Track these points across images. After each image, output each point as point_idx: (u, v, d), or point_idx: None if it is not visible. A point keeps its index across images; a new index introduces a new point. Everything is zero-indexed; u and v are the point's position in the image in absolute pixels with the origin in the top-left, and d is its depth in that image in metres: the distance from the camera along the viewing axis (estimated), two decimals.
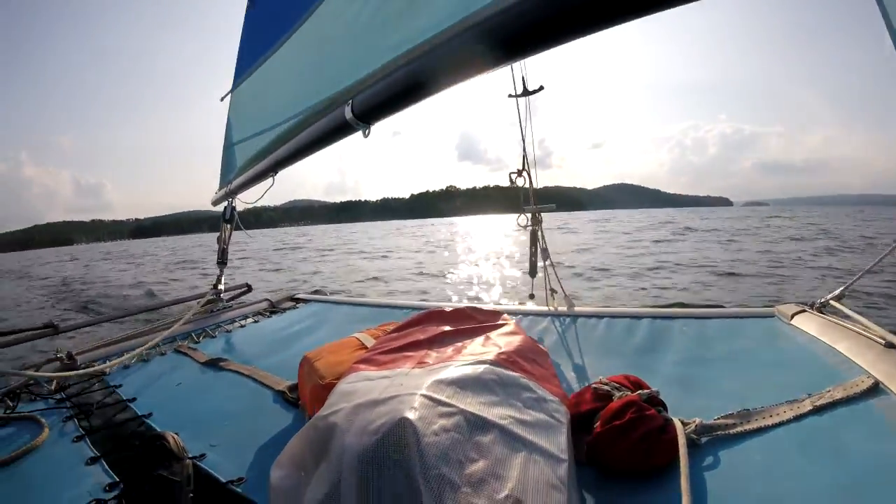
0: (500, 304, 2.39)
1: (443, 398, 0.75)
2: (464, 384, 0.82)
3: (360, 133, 1.38)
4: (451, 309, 1.30)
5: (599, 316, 1.77)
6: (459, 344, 1.08)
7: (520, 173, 1.89)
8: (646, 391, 0.96)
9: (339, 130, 1.46)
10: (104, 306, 8.45)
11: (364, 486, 0.64)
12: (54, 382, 1.77)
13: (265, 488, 0.83)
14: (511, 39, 0.91)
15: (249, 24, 2.94)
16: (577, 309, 1.88)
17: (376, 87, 1.26)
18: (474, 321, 1.25)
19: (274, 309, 2.59)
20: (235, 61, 2.92)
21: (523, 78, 1.92)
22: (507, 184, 1.92)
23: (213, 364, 1.80)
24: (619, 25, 0.80)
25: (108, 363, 1.89)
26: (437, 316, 1.25)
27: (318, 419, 0.78)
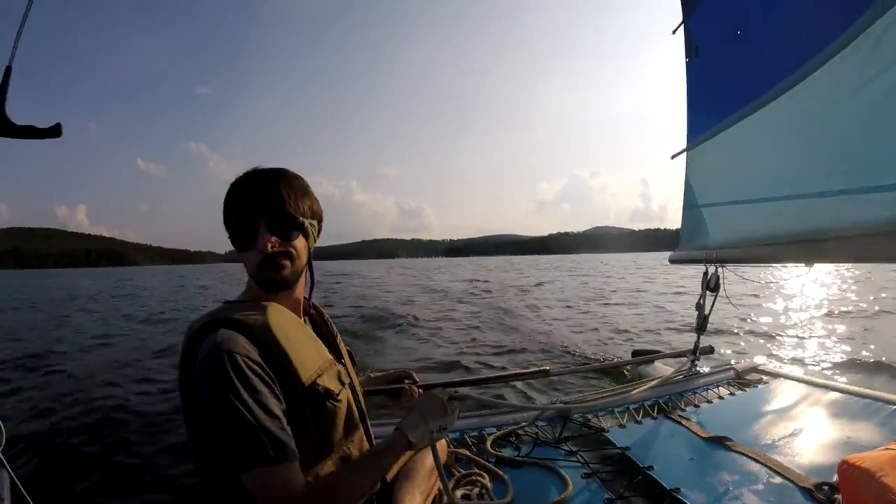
0: None
1: None
2: None
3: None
4: None
5: None
6: None
7: None
8: None
9: None
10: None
11: None
12: (556, 430, 1.85)
13: None
14: None
15: (697, 76, 2.89)
16: None
17: None
18: None
19: (740, 380, 2.41)
20: (686, 116, 2.95)
21: None
22: None
23: (718, 441, 1.69)
24: None
25: (599, 418, 1.95)
26: None
27: None
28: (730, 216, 2.32)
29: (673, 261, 2.71)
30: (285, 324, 0.89)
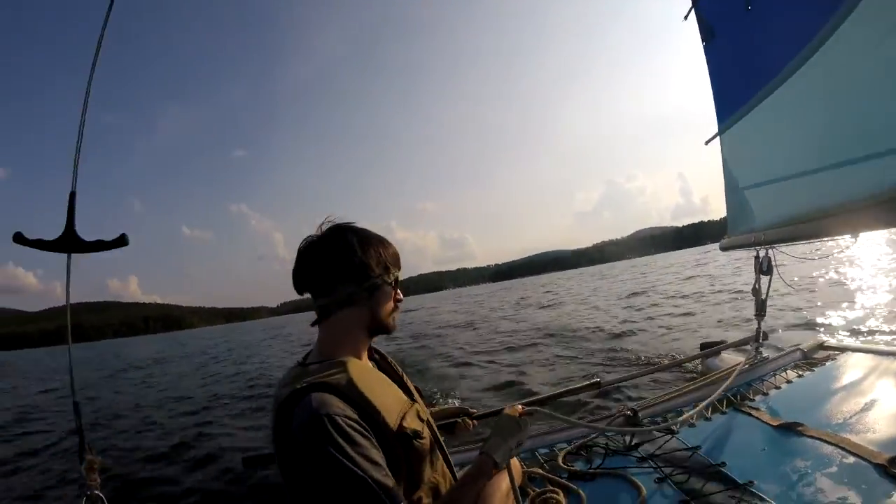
0: None
1: None
2: None
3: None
4: None
5: None
6: None
7: None
8: None
9: None
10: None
11: None
12: (626, 438, 1.85)
13: None
14: None
15: (717, 58, 2.82)
16: None
17: None
18: None
19: (807, 360, 2.37)
20: (713, 100, 2.89)
21: None
22: None
23: (789, 428, 1.67)
24: None
25: (668, 420, 1.95)
26: None
27: None
28: (773, 195, 2.27)
29: (724, 248, 2.66)
30: (366, 375, 0.93)
